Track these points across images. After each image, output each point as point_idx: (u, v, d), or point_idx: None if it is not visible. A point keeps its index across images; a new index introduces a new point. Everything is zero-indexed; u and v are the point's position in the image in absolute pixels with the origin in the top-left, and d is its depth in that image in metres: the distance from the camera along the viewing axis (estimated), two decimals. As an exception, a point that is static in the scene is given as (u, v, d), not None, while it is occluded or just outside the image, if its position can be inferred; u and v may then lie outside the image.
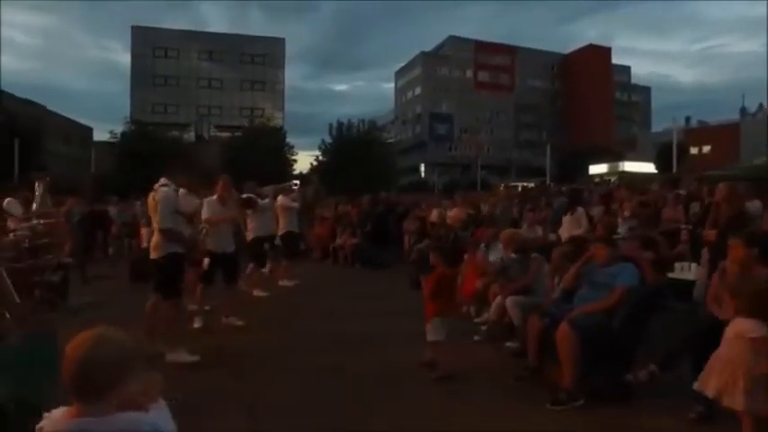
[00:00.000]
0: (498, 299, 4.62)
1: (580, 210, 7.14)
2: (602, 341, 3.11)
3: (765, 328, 2.51)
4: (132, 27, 65.27)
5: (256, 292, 7.34)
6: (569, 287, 3.72)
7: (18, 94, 49.98)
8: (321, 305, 7.07)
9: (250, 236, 7.51)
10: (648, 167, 35.02)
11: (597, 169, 41.04)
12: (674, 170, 21.55)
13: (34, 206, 8.62)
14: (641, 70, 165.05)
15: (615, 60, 70.18)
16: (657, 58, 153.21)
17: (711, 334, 2.82)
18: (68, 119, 58.29)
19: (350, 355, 4.57)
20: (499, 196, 10.04)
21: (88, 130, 58.40)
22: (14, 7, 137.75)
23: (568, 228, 7.06)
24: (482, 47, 64.94)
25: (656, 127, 63.41)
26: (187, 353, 4.34)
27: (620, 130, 65.36)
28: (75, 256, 9.48)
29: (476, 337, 4.90)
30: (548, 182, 29.58)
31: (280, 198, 8.38)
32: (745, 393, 2.44)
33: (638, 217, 7.29)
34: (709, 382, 2.58)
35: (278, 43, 68.77)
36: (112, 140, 39.87)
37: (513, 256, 4.70)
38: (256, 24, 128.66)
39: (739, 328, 2.57)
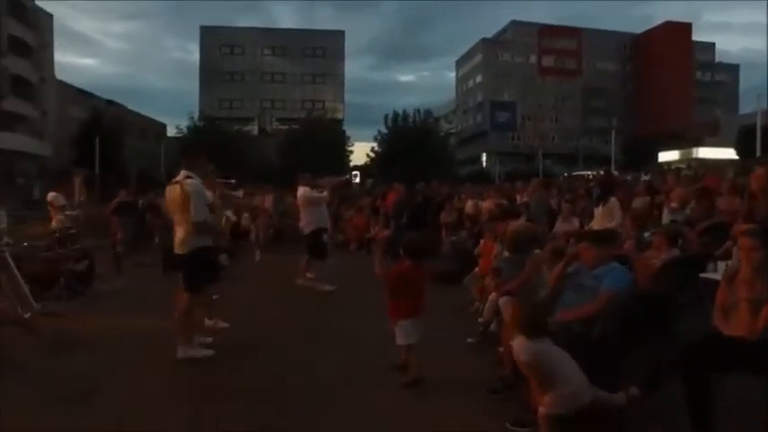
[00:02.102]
0: (492, 296, 4.17)
1: (613, 200, 6.42)
2: (578, 355, 2.64)
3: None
4: (201, 27, 68.26)
5: (319, 287, 7.18)
6: (554, 290, 3.23)
7: (103, 95, 54.02)
8: (331, 299, 6.90)
9: (308, 229, 7.42)
10: (729, 153, 31.98)
11: (668, 156, 38.08)
12: (758, 155, 19.42)
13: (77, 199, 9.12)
14: (733, 46, 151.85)
15: (698, 37, 64.79)
16: (751, 32, 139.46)
17: (709, 350, 2.29)
18: (145, 116, 62.14)
19: (315, 353, 4.46)
20: (534, 186, 9.34)
21: (162, 127, 61.95)
22: (109, 17, 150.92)
23: (600, 220, 6.39)
24: (546, 30, 61.92)
25: (745, 109, 57.68)
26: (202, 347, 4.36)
27: (700, 112, 60.17)
28: (120, 244, 9.93)
29: (469, 339, 4.48)
30: (612, 170, 27.75)
31: (307, 190, 7.76)
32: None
33: (695, 207, 6.47)
34: None
35: (338, 36, 69.38)
36: (178, 135, 41.80)
37: (506, 254, 4.21)
38: (323, 19, 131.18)
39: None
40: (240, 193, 13.62)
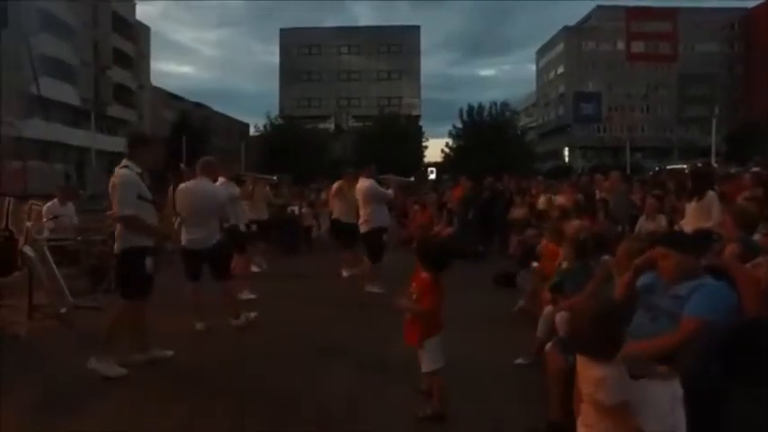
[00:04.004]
0: (548, 310, 3.43)
1: (711, 194, 5.31)
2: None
3: None
4: (281, 29, 70.55)
5: (369, 288, 6.62)
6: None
7: (196, 99, 57.63)
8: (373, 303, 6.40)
9: (367, 226, 6.83)
10: None
11: (783, 146, 33.58)
12: None
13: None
14: None
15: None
16: None
17: None
18: (229, 117, 65.43)
19: (328, 366, 3.95)
20: (613, 180, 8.23)
21: (245, 126, 64.83)
22: (205, 26, 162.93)
23: (694, 218, 5.34)
24: (635, 13, 56.80)
25: None
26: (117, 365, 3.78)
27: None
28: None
29: (518, 360, 3.77)
30: (713, 162, 24.89)
31: (372, 183, 7.14)
32: None
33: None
34: None
35: (413, 31, 68.85)
36: (256, 134, 43.37)
37: (567, 264, 3.41)
38: (402, 17, 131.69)
39: None
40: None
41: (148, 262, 3.86)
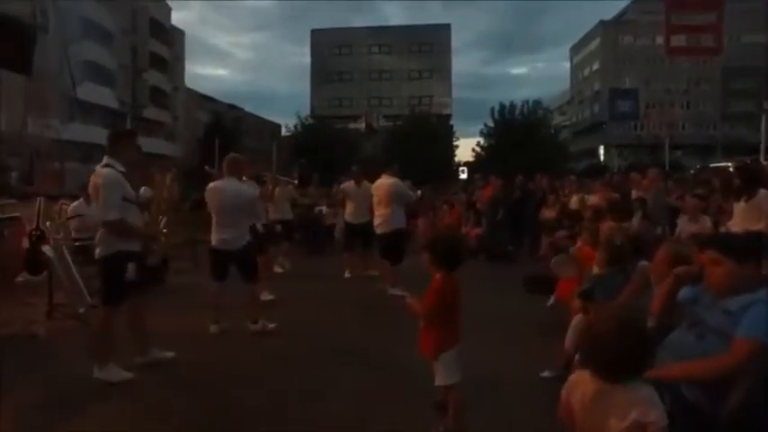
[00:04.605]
0: (577, 319, 3.15)
1: (763, 193, 4.88)
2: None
3: None
4: (312, 30, 71.08)
5: (392, 291, 6.38)
6: (660, 318, 2.15)
7: (231, 101, 58.77)
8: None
9: (387, 227, 6.62)
10: None
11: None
12: None
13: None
14: None
15: None
16: None
17: None
18: (261, 118, 66.29)
19: (344, 372, 3.77)
20: (651, 177, 7.74)
21: (277, 127, 65.57)
22: (241, 30, 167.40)
23: (742, 219, 4.93)
24: (676, 5, 54.86)
25: None
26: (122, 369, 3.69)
27: None
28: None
29: (545, 373, 3.49)
30: (761, 159, 23.58)
31: (398, 182, 6.85)
32: None
33: None
34: None
35: (444, 30, 68.31)
36: (287, 134, 43.79)
37: (600, 269, 3.09)
38: (432, 16, 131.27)
39: None
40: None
41: (130, 268, 3.70)
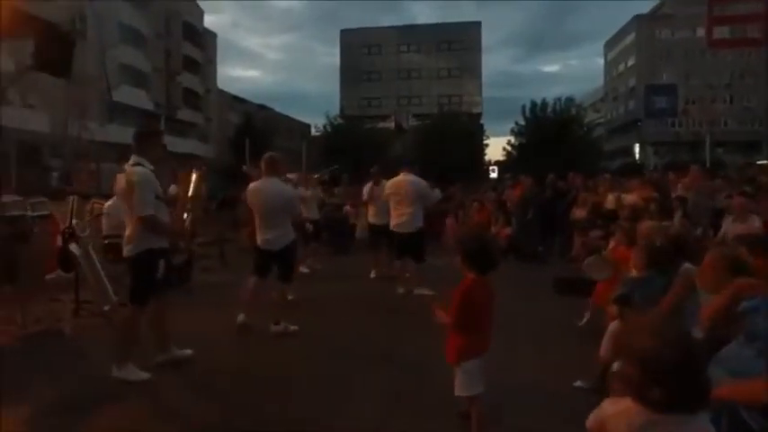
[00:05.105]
0: (613, 326, 2.93)
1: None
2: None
3: None
4: (341, 30, 71.35)
5: (418, 290, 6.32)
6: (713, 330, 1.93)
7: (261, 102, 59.61)
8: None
9: (408, 228, 6.47)
10: None
11: None
12: None
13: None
14: None
15: None
16: None
17: None
18: (291, 118, 66.91)
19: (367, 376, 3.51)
20: (693, 175, 7.33)
21: (307, 127, 66.11)
22: (272, 32, 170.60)
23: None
24: (718, -4, 52.82)
25: None
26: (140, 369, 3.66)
27: None
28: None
29: (577, 383, 3.26)
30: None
31: (421, 181, 6.69)
32: None
33: None
34: None
35: (474, 27, 67.48)
36: (317, 134, 44.10)
37: (638, 272, 2.84)
38: (462, 15, 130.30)
39: None
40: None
41: (162, 265, 3.71)
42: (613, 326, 3.01)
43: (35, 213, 5.12)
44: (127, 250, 3.72)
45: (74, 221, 5.10)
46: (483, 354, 2.53)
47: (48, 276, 5.58)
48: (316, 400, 3.30)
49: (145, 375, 3.63)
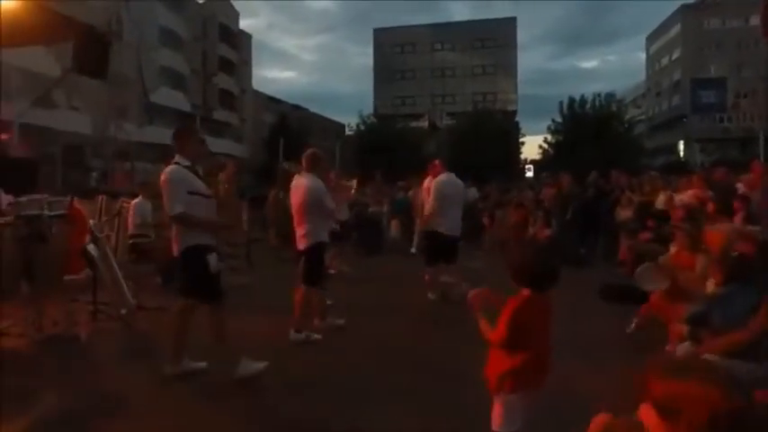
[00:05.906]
0: (683, 348, 2.46)
1: None
2: None
3: None
4: (374, 29, 71.20)
5: (456, 289, 5.92)
6: None
7: (296, 102, 60.24)
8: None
9: (448, 230, 6.20)
10: None
11: None
12: None
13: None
14: None
15: None
16: None
17: None
18: (325, 117, 67.26)
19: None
20: (757, 171, 6.65)
21: (341, 126, 66.33)
22: (307, 33, 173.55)
23: None
24: (773, -17, 49.82)
25: None
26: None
27: None
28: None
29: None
30: None
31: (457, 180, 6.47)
32: None
33: None
34: None
35: (509, 23, 66.17)
36: (350, 133, 44.07)
37: (715, 287, 2.36)
38: (497, 13, 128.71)
39: None
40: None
41: (211, 260, 3.57)
42: (682, 348, 2.53)
43: (53, 213, 5.03)
44: (175, 250, 3.66)
45: (91, 222, 4.93)
46: (534, 389, 2.10)
47: (68, 277, 5.44)
48: (339, 406, 3.06)
49: (201, 365, 3.71)
